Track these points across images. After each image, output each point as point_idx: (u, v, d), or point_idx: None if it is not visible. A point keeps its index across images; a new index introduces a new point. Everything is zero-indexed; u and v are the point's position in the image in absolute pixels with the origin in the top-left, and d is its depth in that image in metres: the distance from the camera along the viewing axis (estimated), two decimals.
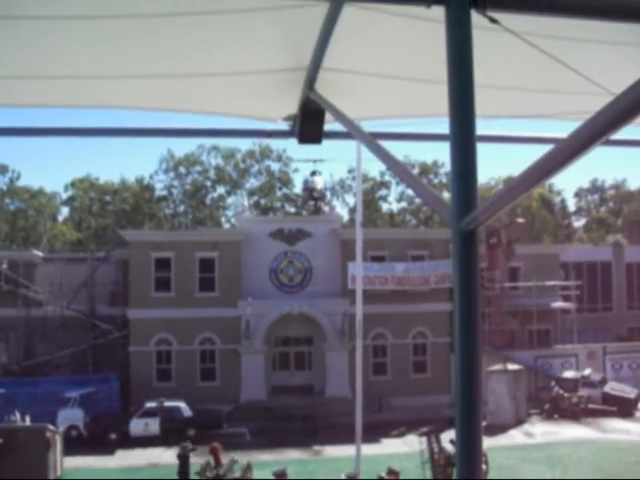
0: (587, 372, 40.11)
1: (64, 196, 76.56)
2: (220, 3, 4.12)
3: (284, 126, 5.98)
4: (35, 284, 42.69)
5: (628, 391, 39.34)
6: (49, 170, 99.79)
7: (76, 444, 31.29)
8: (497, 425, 34.68)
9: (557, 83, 4.99)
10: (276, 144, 73.19)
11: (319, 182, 38.89)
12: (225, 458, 24.37)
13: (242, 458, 25.25)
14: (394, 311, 40.86)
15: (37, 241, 67.55)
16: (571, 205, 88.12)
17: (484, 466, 22.07)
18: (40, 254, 46.18)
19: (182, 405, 34.10)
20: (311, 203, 53.07)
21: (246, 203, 54.33)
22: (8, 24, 4.07)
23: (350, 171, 67.90)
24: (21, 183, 72.30)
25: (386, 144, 4.37)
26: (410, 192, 71.33)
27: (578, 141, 2.19)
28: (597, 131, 2.10)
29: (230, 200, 75.45)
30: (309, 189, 40.53)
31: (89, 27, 4.20)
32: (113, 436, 32.96)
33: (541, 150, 2.46)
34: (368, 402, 32.62)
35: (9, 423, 27.60)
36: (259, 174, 75.59)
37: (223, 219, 76.13)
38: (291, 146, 73.94)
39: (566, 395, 38.05)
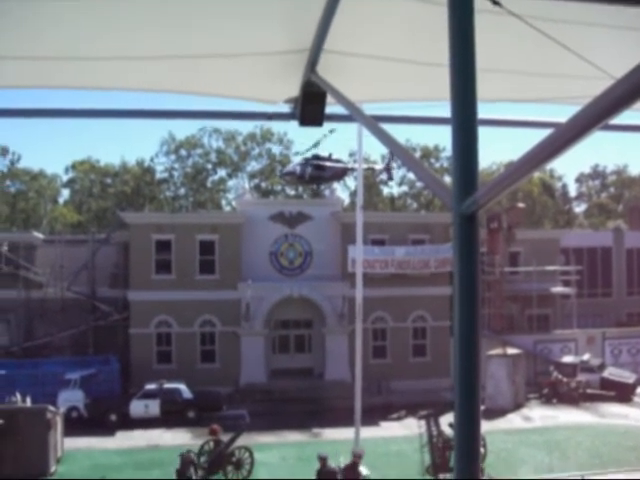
0: (586, 357, 40.21)
1: (65, 178, 76.62)
2: None
3: (285, 108, 5.96)
4: (36, 266, 42.74)
5: (627, 376, 39.45)
6: (50, 152, 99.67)
7: (76, 425, 31.43)
8: (496, 409, 34.84)
9: (559, 67, 4.97)
10: (277, 127, 73.12)
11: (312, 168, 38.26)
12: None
13: (242, 440, 25.40)
14: (394, 294, 40.90)
15: (37, 223, 67.48)
16: (572, 190, 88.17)
17: (482, 450, 22.19)
18: (41, 236, 46.17)
19: (182, 387, 34.23)
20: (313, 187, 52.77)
21: (247, 186, 54.26)
22: (5, 4, 4.05)
23: (351, 154, 67.69)
24: (21, 165, 72.28)
25: (387, 127, 4.36)
26: (411, 176, 71.27)
27: (578, 125, 2.19)
28: (597, 115, 2.09)
29: (231, 183, 75.46)
30: (287, 173, 40.17)
31: (89, 7, 4.18)
32: (113, 417, 33.11)
33: (544, 134, 2.46)
34: (367, 385, 32.82)
35: (10, 404, 27.70)
36: (260, 157, 75.45)
37: (224, 202, 76.10)
38: (294, 129, 73.86)
39: (565, 380, 38.18)
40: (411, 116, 6.31)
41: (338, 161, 38.86)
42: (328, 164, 37.86)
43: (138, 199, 72.38)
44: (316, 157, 38.13)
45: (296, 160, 41.37)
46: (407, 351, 42.51)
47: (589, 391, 38.13)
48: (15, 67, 4.93)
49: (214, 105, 6.20)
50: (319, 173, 37.72)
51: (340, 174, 39.34)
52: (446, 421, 22.32)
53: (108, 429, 32.19)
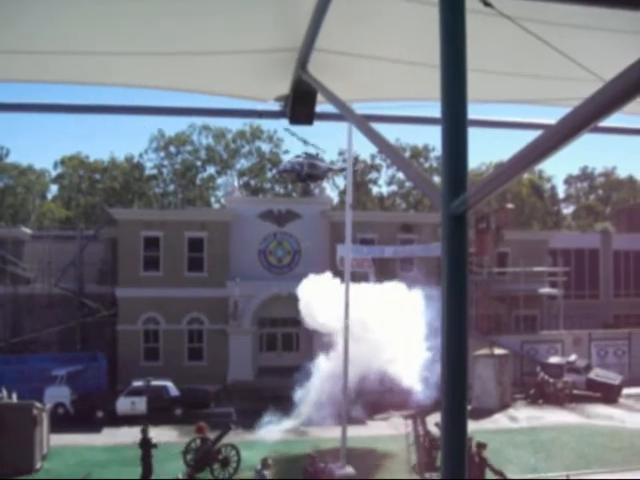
0: (572, 358, 40.33)
1: (53, 173, 76.23)
2: None
3: (275, 106, 5.94)
4: (23, 261, 42.56)
5: (613, 378, 39.62)
6: (39, 147, 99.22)
7: (63, 422, 31.31)
8: (482, 409, 34.92)
9: (550, 69, 4.98)
10: (267, 125, 73.11)
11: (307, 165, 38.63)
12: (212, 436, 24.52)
13: (229, 438, 25.36)
14: None
15: (26, 218, 67.15)
16: (561, 192, 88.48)
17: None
18: (28, 231, 45.97)
19: (169, 384, 34.16)
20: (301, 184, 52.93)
21: (236, 184, 53.94)
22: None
23: (340, 153, 67.72)
24: (10, 160, 71.91)
25: (378, 127, 4.35)
26: (400, 175, 71.35)
27: (567, 127, 2.20)
28: (586, 117, 2.10)
29: (220, 180, 75.23)
30: (285, 170, 40.40)
31: (81, 1, 4.16)
32: (100, 414, 33.01)
33: (533, 136, 2.47)
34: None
35: None
36: (249, 155, 75.40)
37: (213, 199, 75.98)
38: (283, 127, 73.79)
39: (551, 380, 38.28)
40: (401, 116, 6.31)
41: (322, 160, 39.23)
42: (319, 163, 38.09)
43: (127, 195, 72.14)
44: (308, 155, 38.32)
45: (289, 158, 41.56)
46: None
47: (575, 392, 38.23)
48: (5, 61, 4.90)
49: (204, 102, 6.19)
50: (313, 171, 37.98)
51: (327, 173, 39.75)
52: (433, 421, 22.35)
53: (94, 426, 32.07)
